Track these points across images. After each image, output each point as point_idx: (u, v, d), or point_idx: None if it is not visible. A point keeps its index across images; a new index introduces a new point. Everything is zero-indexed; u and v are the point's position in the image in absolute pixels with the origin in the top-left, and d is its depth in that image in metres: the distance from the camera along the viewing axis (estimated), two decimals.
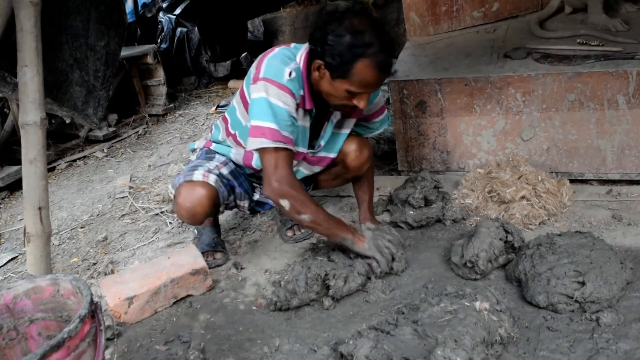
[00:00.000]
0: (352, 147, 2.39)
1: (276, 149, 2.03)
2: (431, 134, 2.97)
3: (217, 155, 2.43)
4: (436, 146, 2.99)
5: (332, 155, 2.40)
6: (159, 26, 6.27)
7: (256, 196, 2.52)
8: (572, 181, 2.70)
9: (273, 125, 2.01)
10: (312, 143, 2.32)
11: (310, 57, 2.04)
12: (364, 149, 2.42)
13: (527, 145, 2.80)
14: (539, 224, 2.46)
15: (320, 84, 2.05)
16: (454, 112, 2.88)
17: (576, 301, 1.86)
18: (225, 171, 2.37)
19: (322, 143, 2.34)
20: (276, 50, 2.14)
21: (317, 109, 2.19)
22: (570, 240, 2.06)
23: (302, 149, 2.27)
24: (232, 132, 2.36)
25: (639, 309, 1.86)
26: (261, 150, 2.06)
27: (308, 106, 2.13)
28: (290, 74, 2.04)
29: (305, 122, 2.20)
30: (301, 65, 2.09)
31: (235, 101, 2.32)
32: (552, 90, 2.66)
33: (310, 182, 2.62)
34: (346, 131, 2.38)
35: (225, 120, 2.41)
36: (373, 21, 1.97)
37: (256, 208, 2.58)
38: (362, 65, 1.91)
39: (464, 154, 2.96)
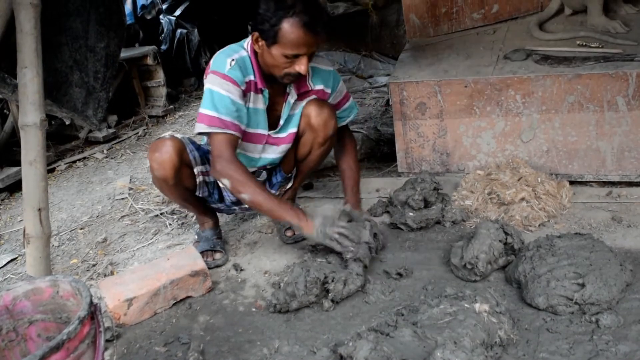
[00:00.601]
0: (311, 107, 2.43)
1: (218, 134, 2.19)
2: (431, 136, 2.97)
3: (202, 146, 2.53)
4: (436, 148, 2.99)
5: (293, 129, 2.47)
6: (160, 28, 6.29)
7: None
8: (571, 183, 2.70)
9: (212, 112, 2.18)
10: (272, 125, 2.43)
11: (251, 33, 2.20)
12: (324, 106, 2.44)
13: (526, 147, 2.81)
14: (539, 225, 2.46)
15: (263, 57, 2.21)
16: (453, 113, 2.88)
17: (576, 303, 1.86)
18: (201, 147, 2.47)
19: (281, 123, 2.44)
20: (226, 47, 2.33)
21: (272, 90, 2.34)
22: (570, 242, 2.06)
23: (262, 131, 2.40)
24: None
25: (639, 310, 1.86)
26: (207, 137, 2.26)
27: (259, 85, 2.28)
28: (231, 63, 2.21)
29: (258, 105, 2.34)
30: (249, 50, 2.27)
31: None
32: (552, 92, 2.66)
33: (289, 169, 2.64)
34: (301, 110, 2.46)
35: None
36: None
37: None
38: (287, 25, 2.06)
39: (463, 155, 2.96)
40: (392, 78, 3.02)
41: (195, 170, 2.43)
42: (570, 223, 2.48)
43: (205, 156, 2.46)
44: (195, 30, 6.05)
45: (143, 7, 6.46)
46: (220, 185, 2.45)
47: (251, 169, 2.53)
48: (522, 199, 2.50)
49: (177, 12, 6.28)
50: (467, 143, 2.92)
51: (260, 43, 2.17)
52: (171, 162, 2.31)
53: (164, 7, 6.47)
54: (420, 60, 3.17)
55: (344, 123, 2.60)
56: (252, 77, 2.27)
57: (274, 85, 2.33)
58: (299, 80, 2.31)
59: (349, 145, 2.63)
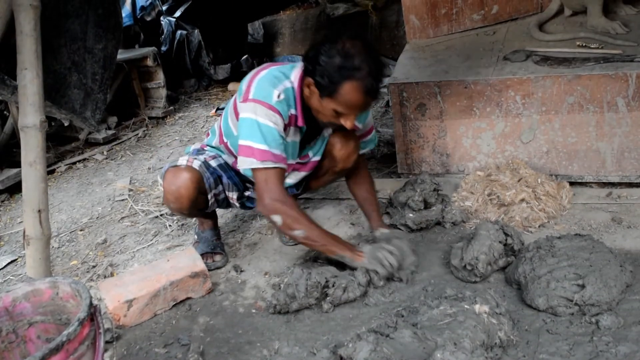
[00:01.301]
0: (337, 138, 2.40)
1: (267, 168, 2.10)
2: (431, 137, 2.97)
3: (207, 151, 2.48)
4: (436, 149, 2.99)
5: (318, 158, 2.45)
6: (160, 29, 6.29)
7: (247, 192, 2.54)
8: (571, 184, 2.70)
9: (262, 146, 2.09)
10: (300, 154, 2.39)
11: (304, 75, 2.11)
12: (350, 139, 2.42)
13: (526, 148, 2.80)
14: (539, 226, 2.46)
15: (310, 101, 2.12)
16: (453, 114, 2.88)
17: (576, 304, 1.86)
18: (213, 163, 2.42)
19: (310, 154, 2.42)
20: (266, 71, 2.20)
21: (310, 126, 2.26)
22: (570, 243, 2.06)
23: (292, 161, 2.34)
24: (225, 140, 2.42)
25: (639, 312, 1.86)
26: (253, 170, 2.13)
27: (300, 123, 2.21)
28: (279, 96, 2.11)
29: (295, 138, 2.28)
30: (295, 83, 2.16)
31: (229, 110, 2.37)
32: (552, 92, 2.66)
33: (299, 184, 2.62)
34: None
35: (219, 127, 2.47)
36: (366, 46, 2.01)
37: (247, 204, 2.58)
38: (348, 87, 1.97)
39: (463, 156, 2.96)
40: (391, 79, 3.02)
41: (209, 196, 2.41)
42: (570, 224, 2.48)
43: (219, 178, 2.42)
44: (195, 31, 6.06)
45: (142, 8, 6.46)
46: (268, 221, 2.36)
47: None
48: (522, 200, 2.50)
49: (177, 14, 6.28)
50: (467, 144, 2.92)
51: (311, 89, 2.07)
52: (188, 197, 2.29)
53: (164, 8, 6.48)
54: (420, 61, 3.17)
55: (360, 152, 2.53)
56: (294, 112, 2.18)
57: (312, 120, 2.23)
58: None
59: (365, 174, 2.57)
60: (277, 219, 2.09)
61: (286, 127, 2.18)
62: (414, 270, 2.24)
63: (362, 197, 2.54)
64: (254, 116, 2.10)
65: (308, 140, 2.37)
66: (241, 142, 2.14)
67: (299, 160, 2.41)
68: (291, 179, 2.48)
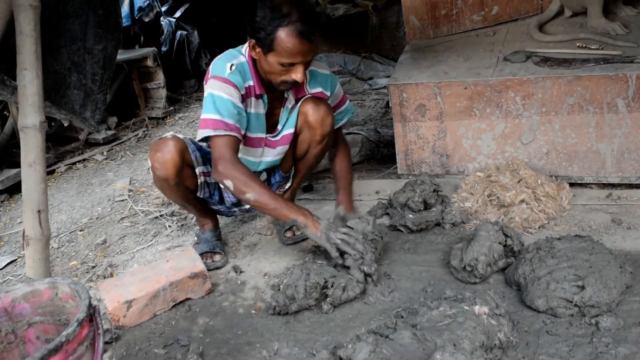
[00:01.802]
0: (307, 105, 2.44)
1: (219, 136, 2.19)
2: (430, 138, 2.97)
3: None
4: (436, 150, 2.99)
5: (290, 130, 2.48)
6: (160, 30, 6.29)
7: None
8: (571, 185, 2.70)
9: (215, 116, 2.19)
10: (270, 129, 2.46)
11: (249, 40, 2.22)
12: (320, 103, 2.44)
13: (526, 149, 2.80)
14: (539, 227, 2.46)
15: (260, 64, 2.23)
16: (453, 115, 2.88)
17: (575, 305, 1.86)
18: (202, 148, 2.47)
19: (279, 127, 2.48)
20: (224, 53, 2.34)
21: (271, 95, 2.37)
22: (570, 244, 2.06)
23: (261, 134, 2.43)
24: None
25: (639, 313, 1.85)
26: (209, 140, 2.23)
27: (258, 91, 2.30)
28: (231, 67, 2.23)
29: (258, 109, 2.36)
30: (247, 56, 2.30)
31: None
32: (552, 93, 2.66)
33: (287, 168, 2.66)
34: (296, 111, 2.48)
35: None
36: None
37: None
38: (282, 34, 2.07)
39: (463, 157, 2.96)
40: (392, 80, 3.02)
41: (197, 171, 2.43)
42: (570, 225, 2.48)
43: (206, 157, 2.46)
44: (195, 32, 6.06)
45: (140, 9, 6.46)
46: (222, 187, 2.46)
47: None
48: (522, 201, 2.50)
49: (177, 14, 6.28)
50: (467, 145, 2.92)
51: (257, 50, 2.19)
52: (173, 161, 2.31)
53: (164, 9, 6.48)
54: (420, 62, 3.17)
55: (338, 125, 2.61)
56: (251, 83, 2.29)
57: (273, 91, 2.35)
58: (296, 86, 2.33)
59: (342, 148, 2.65)
60: (229, 183, 2.16)
61: (245, 99, 2.28)
62: (375, 264, 2.17)
63: (335, 171, 2.63)
64: (211, 90, 2.23)
65: (273, 112, 2.44)
66: (201, 117, 2.25)
67: (268, 136, 2.46)
68: (268, 156, 2.52)
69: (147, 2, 5.36)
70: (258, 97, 2.33)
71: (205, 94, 2.26)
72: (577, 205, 2.61)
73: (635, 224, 2.39)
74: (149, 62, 5.15)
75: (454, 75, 2.89)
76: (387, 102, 4.39)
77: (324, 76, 2.48)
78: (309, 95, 2.45)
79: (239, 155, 2.38)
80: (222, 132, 2.18)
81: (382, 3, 5.80)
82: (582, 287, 1.86)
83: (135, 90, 5.23)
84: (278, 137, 2.48)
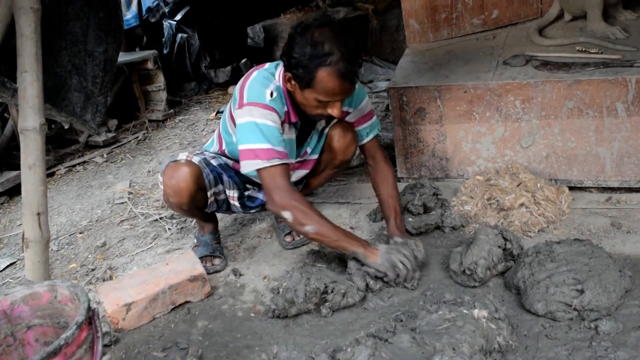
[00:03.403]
0: (334, 130, 2.43)
1: (273, 166, 2.10)
2: (430, 141, 2.97)
3: (207, 153, 2.52)
4: (435, 153, 2.99)
5: (315, 156, 2.49)
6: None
7: (247, 192, 2.56)
8: (571, 188, 2.70)
9: (266, 145, 2.10)
10: (298, 151, 2.42)
11: (284, 70, 2.13)
12: (348, 130, 2.44)
13: (526, 153, 2.81)
14: (538, 231, 2.46)
15: (295, 95, 2.15)
16: (453, 119, 2.88)
17: (575, 309, 1.86)
18: (213, 162, 2.45)
19: (309, 150, 2.44)
20: (255, 74, 2.23)
21: (302, 120, 2.29)
22: (569, 248, 2.06)
23: (291, 160, 2.34)
24: (224, 148, 2.48)
25: (638, 317, 1.85)
26: (259, 171, 2.13)
27: (293, 119, 2.24)
28: (271, 94, 2.14)
29: (291, 135, 2.31)
30: (280, 82, 2.19)
31: (226, 119, 2.41)
32: (552, 97, 2.66)
33: (299, 183, 2.65)
34: (325, 136, 2.46)
35: (218, 136, 2.51)
36: (336, 31, 2.01)
37: (247, 203, 2.58)
38: (323, 74, 1.98)
39: (463, 161, 2.96)
40: (391, 83, 3.02)
41: (209, 193, 2.42)
42: (569, 229, 2.48)
43: (220, 177, 2.44)
44: (196, 34, 6.06)
45: (148, 9, 6.45)
46: (279, 217, 2.35)
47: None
48: (522, 204, 2.50)
49: (178, 17, 6.28)
50: (467, 148, 2.92)
51: (292, 83, 2.10)
52: (188, 190, 2.30)
53: (166, 10, 6.48)
54: (420, 65, 3.18)
55: (363, 142, 2.50)
56: (286, 108, 2.22)
57: (303, 115, 2.26)
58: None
59: (387, 171, 2.49)
60: (288, 215, 2.09)
61: (282, 124, 2.20)
62: (419, 277, 2.20)
63: (382, 198, 2.46)
64: (251, 119, 2.12)
65: (303, 136, 2.39)
66: (242, 146, 2.15)
67: (297, 159, 2.43)
68: (291, 178, 2.48)
69: (156, 2, 5.34)
70: (292, 124, 2.28)
71: (241, 121, 2.14)
72: (576, 209, 2.61)
73: (635, 228, 2.39)
74: (150, 65, 5.16)
75: (454, 79, 2.89)
76: (387, 106, 4.39)
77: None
78: (336, 120, 2.41)
79: None
80: (277, 162, 2.10)
81: (383, 6, 5.82)
82: (582, 291, 1.86)
83: (135, 92, 5.23)
84: (305, 161, 2.47)
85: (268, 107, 2.12)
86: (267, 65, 2.27)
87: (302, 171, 2.52)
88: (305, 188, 2.70)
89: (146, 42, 6.32)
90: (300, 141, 2.40)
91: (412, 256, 2.18)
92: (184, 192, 2.30)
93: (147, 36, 6.36)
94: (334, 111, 2.09)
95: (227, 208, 2.58)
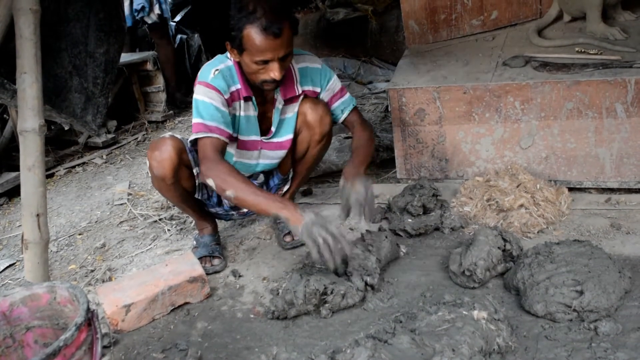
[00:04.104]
0: (306, 105, 2.46)
1: (202, 138, 2.22)
2: (430, 142, 2.97)
3: None
4: (435, 154, 2.99)
5: (289, 136, 2.50)
6: None
7: None
8: (570, 189, 2.70)
9: (198, 120, 2.24)
10: (265, 131, 2.46)
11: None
12: (317, 103, 2.46)
13: (525, 154, 2.81)
14: (538, 232, 2.46)
15: (241, 66, 2.25)
16: (452, 120, 2.88)
17: (574, 310, 1.86)
18: None
19: (273, 129, 2.46)
20: (214, 58, 2.37)
21: (261, 98, 2.38)
22: (569, 248, 2.06)
23: (255, 137, 2.44)
24: None
25: (638, 318, 1.85)
26: (193, 143, 2.31)
27: (245, 93, 2.31)
28: (214, 73, 2.26)
29: (249, 112, 2.38)
30: (232, 62, 2.31)
31: None
32: (551, 98, 2.66)
33: (287, 170, 2.68)
34: (295, 114, 2.48)
35: None
36: None
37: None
38: (248, 31, 2.07)
39: (462, 162, 2.96)
40: (391, 84, 3.02)
41: (195, 171, 2.44)
42: (569, 230, 2.48)
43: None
44: (195, 35, 6.06)
45: (137, 10, 6.42)
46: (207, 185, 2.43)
47: (248, 174, 2.55)
48: (521, 205, 2.50)
49: (177, 18, 6.28)
50: (466, 149, 2.92)
51: (234, 53, 2.21)
52: (170, 160, 2.32)
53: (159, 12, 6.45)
54: (420, 66, 3.18)
55: (341, 119, 2.54)
56: (238, 86, 2.30)
57: (263, 93, 2.36)
58: (285, 85, 2.35)
59: (362, 131, 2.49)
60: (211, 182, 2.14)
61: (231, 102, 2.31)
62: (376, 273, 2.15)
63: (353, 147, 2.46)
64: (195, 95, 2.27)
65: (265, 114, 2.44)
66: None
67: (263, 139, 2.46)
68: (267, 159, 2.53)
69: (141, 4, 5.34)
70: (246, 99, 2.34)
71: (193, 98, 2.30)
72: (576, 210, 2.61)
73: (634, 229, 2.39)
74: (149, 66, 5.16)
75: (453, 80, 2.89)
76: (387, 107, 4.39)
77: (315, 71, 2.45)
78: (302, 94, 2.44)
79: (235, 159, 2.43)
80: (203, 135, 2.21)
81: (382, 7, 5.81)
82: (581, 292, 1.86)
83: (135, 94, 5.23)
84: (274, 140, 2.49)
85: (208, 85, 2.24)
86: None
87: (279, 152, 2.52)
88: (295, 177, 2.70)
89: (149, 42, 6.30)
90: (263, 119, 2.44)
91: (340, 234, 1.99)
92: (166, 162, 2.32)
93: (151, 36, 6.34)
94: (274, 73, 2.14)
95: (218, 202, 2.60)
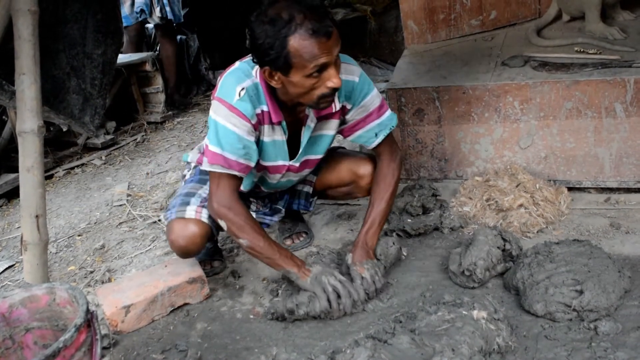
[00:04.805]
0: (366, 169, 2.34)
1: (219, 173, 2.04)
2: (429, 142, 2.97)
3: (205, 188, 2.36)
4: (434, 154, 2.99)
5: (318, 156, 2.29)
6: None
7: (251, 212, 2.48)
8: (570, 189, 2.70)
9: (216, 149, 2.02)
10: (293, 153, 2.22)
11: (261, 69, 1.94)
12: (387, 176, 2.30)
13: (525, 153, 2.80)
14: (537, 232, 2.46)
15: (286, 89, 1.94)
16: (451, 120, 2.88)
17: (574, 310, 1.86)
18: None
19: (301, 149, 2.22)
20: (238, 64, 2.07)
21: (290, 118, 2.11)
22: (568, 248, 2.06)
23: (283, 162, 2.22)
24: None
25: (637, 317, 1.85)
26: (208, 171, 2.10)
27: (275, 119, 2.06)
28: (240, 93, 1.98)
29: (276, 137, 2.13)
30: (258, 79, 2.02)
31: None
32: (550, 98, 2.66)
33: (315, 193, 2.59)
34: (330, 132, 2.23)
35: None
36: None
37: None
38: (294, 42, 1.78)
39: (461, 162, 2.96)
40: (390, 84, 3.02)
41: (217, 237, 2.42)
42: (568, 229, 2.47)
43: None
44: (195, 36, 6.05)
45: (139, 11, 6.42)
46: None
47: (265, 191, 2.46)
48: (521, 205, 2.50)
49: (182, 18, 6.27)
50: (466, 149, 2.92)
51: (276, 77, 1.90)
52: (197, 251, 2.25)
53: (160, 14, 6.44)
54: (419, 66, 3.18)
55: (373, 144, 2.26)
56: (264, 108, 2.04)
57: (291, 111, 2.10)
58: (337, 92, 2.02)
59: (386, 176, 2.28)
60: (223, 224, 2.07)
61: (257, 127, 2.06)
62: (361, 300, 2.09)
63: (372, 199, 2.30)
64: (214, 116, 2.02)
65: (294, 135, 2.17)
66: (205, 141, 2.10)
67: (292, 162, 2.23)
68: (291, 177, 2.34)
69: (140, 6, 5.35)
70: (276, 124, 2.08)
71: (210, 114, 2.05)
72: (575, 209, 2.61)
73: (634, 228, 2.39)
74: (148, 67, 5.15)
75: (453, 80, 2.89)
76: None
77: (349, 84, 2.12)
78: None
79: (256, 180, 2.30)
80: (219, 169, 2.03)
81: (381, 8, 5.81)
82: (581, 292, 1.86)
83: (134, 94, 5.23)
84: (301, 159, 2.25)
85: (233, 108, 1.98)
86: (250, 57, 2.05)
87: (306, 171, 2.35)
88: (320, 197, 2.63)
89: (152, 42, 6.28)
90: (294, 142, 2.19)
91: (348, 282, 2.06)
92: (192, 253, 2.25)
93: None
94: (333, 80, 1.86)
95: None
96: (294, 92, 1.93)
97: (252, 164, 2.10)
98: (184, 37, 6.09)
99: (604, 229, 2.43)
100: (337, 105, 2.11)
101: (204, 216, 2.20)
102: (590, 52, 2.80)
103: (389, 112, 2.24)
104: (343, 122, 2.24)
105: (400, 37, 5.28)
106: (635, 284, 1.99)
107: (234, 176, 2.06)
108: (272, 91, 2.02)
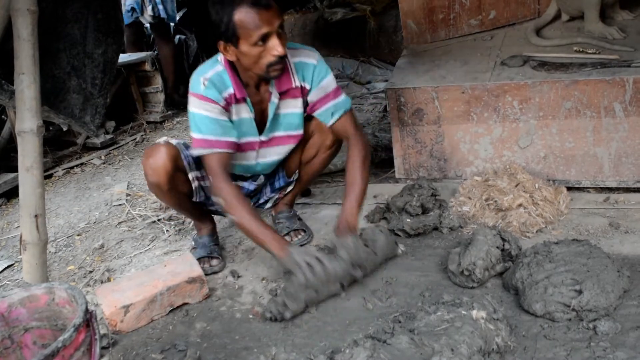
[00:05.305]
0: (323, 127, 2.44)
1: (207, 155, 2.22)
2: (428, 142, 2.97)
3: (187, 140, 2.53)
4: (433, 154, 2.99)
5: (290, 132, 2.44)
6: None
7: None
8: (569, 189, 2.70)
9: (197, 135, 2.23)
10: (262, 129, 2.40)
11: (217, 45, 2.16)
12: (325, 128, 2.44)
13: (524, 153, 2.81)
14: (536, 231, 2.46)
15: (241, 63, 2.16)
16: (451, 119, 2.88)
17: (573, 309, 1.86)
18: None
19: (268, 124, 2.38)
20: (202, 64, 2.31)
21: (255, 97, 2.31)
22: (568, 248, 2.06)
23: (253, 138, 2.39)
24: None
25: (636, 317, 1.85)
26: (200, 157, 2.28)
27: (239, 95, 2.25)
28: (204, 83, 2.20)
29: (243, 115, 2.32)
30: (223, 63, 2.24)
31: None
32: (549, 98, 2.66)
33: (292, 172, 2.65)
34: (296, 110, 2.39)
35: None
36: None
37: None
38: (239, 15, 2.02)
39: (461, 161, 2.96)
40: (389, 84, 3.02)
41: (190, 176, 2.43)
42: (567, 229, 2.48)
43: (200, 162, 2.43)
44: (194, 36, 6.05)
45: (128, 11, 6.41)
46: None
47: (250, 175, 2.55)
48: (520, 205, 2.50)
49: (176, 18, 6.26)
50: (465, 149, 2.92)
51: (230, 50, 2.12)
52: (164, 168, 2.31)
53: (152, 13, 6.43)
54: (418, 66, 3.18)
55: (329, 122, 2.40)
56: (230, 91, 2.24)
57: (256, 91, 2.30)
58: (280, 78, 2.24)
59: (354, 148, 2.38)
60: (221, 201, 2.21)
61: (227, 108, 2.26)
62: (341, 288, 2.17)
63: (347, 179, 2.39)
64: (190, 108, 2.24)
65: (262, 113, 2.36)
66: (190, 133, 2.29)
67: (262, 139, 2.40)
68: (267, 157, 2.48)
69: (131, 5, 5.35)
70: (240, 101, 2.27)
71: (187, 109, 2.27)
72: (574, 209, 2.61)
73: (633, 228, 2.40)
74: (147, 67, 5.15)
75: (452, 80, 2.89)
76: (385, 107, 4.39)
77: (308, 66, 2.32)
78: (300, 87, 2.36)
79: (233, 162, 2.37)
80: (204, 151, 2.21)
81: (380, 7, 5.81)
82: (580, 292, 1.86)
83: (133, 94, 5.23)
84: (274, 135, 2.41)
85: (202, 96, 2.20)
86: None
87: (278, 148, 2.47)
88: (299, 179, 2.69)
89: (152, 42, 6.28)
90: (261, 117, 2.36)
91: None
92: (160, 170, 2.31)
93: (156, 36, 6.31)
94: (277, 49, 2.06)
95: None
96: (246, 63, 2.14)
97: (233, 139, 2.27)
98: (183, 37, 6.09)
99: (603, 229, 2.43)
100: (295, 80, 2.31)
101: (173, 141, 2.40)
102: (589, 51, 2.80)
103: (343, 96, 2.42)
104: (306, 103, 2.40)
105: (400, 37, 5.29)
106: (634, 284, 2.00)
107: (221, 154, 2.22)
108: (236, 73, 2.24)
